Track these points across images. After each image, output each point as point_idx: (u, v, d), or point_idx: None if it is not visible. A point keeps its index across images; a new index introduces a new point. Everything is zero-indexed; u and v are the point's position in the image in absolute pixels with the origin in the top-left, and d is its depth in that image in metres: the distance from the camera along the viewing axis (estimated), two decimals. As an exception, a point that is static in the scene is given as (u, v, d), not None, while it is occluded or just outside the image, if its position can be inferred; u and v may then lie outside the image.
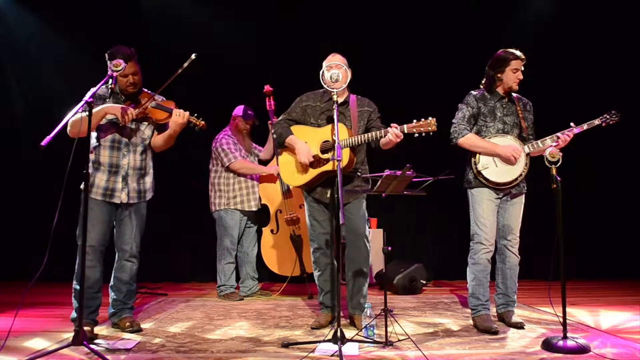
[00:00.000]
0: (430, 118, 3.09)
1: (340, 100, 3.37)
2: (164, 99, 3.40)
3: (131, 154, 3.28)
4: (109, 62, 3.16)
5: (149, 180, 3.40)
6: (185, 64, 3.20)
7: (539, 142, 3.38)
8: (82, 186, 3.15)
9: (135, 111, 3.18)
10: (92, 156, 3.20)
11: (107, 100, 3.23)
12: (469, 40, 5.65)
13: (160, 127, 3.41)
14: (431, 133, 3.08)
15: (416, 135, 3.11)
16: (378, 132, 3.20)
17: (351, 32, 5.71)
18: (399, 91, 5.73)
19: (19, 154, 5.77)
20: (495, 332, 3.21)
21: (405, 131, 3.11)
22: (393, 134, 3.10)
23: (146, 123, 3.35)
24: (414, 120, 3.11)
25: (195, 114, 3.33)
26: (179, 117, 3.24)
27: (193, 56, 3.19)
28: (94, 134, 3.21)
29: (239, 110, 4.78)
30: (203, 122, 3.35)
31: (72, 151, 2.76)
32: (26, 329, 3.39)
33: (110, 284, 3.38)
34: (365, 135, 3.21)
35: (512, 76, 3.39)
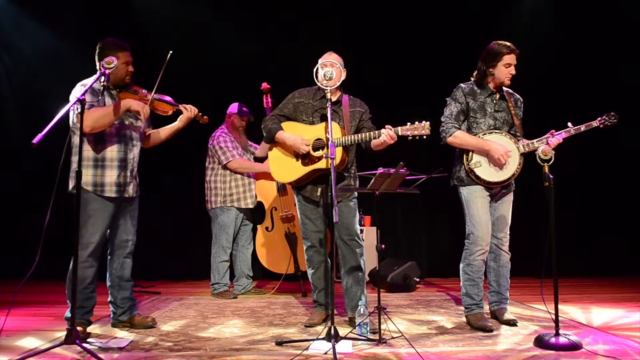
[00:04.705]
0: (424, 122, 3.07)
1: (333, 99, 3.36)
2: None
3: (135, 148, 3.30)
4: (99, 55, 3.14)
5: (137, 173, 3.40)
6: (165, 63, 3.21)
7: (534, 141, 3.32)
8: (71, 184, 3.14)
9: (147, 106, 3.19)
10: (90, 153, 3.13)
11: (101, 96, 3.16)
12: (463, 36, 5.66)
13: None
14: (425, 137, 3.07)
15: (410, 138, 3.09)
16: (372, 132, 3.18)
17: (348, 30, 5.71)
18: (392, 89, 5.73)
19: (8, 152, 5.72)
20: (490, 330, 3.21)
21: (400, 133, 3.10)
22: (387, 135, 3.08)
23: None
24: (408, 123, 3.09)
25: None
26: (189, 111, 3.37)
27: (170, 53, 3.21)
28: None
29: (233, 107, 4.77)
30: (206, 117, 3.52)
31: (64, 149, 2.75)
32: (18, 328, 3.36)
33: (109, 284, 3.33)
34: (359, 135, 3.20)
35: (504, 71, 3.31)
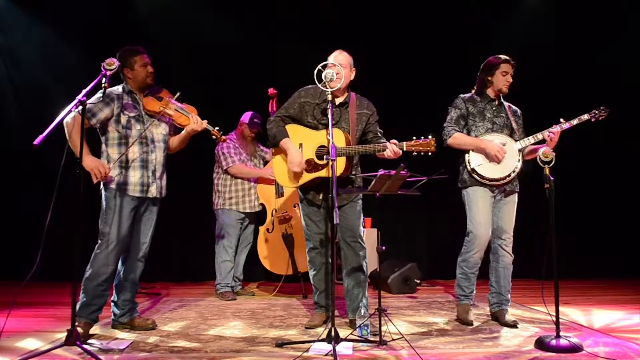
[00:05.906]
0: (430, 137, 3.07)
1: (340, 100, 3.36)
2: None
3: (157, 150, 3.36)
4: (121, 65, 3.20)
5: (165, 176, 3.45)
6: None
7: (530, 138, 3.43)
8: (103, 183, 3.21)
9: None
10: (115, 155, 3.22)
11: (123, 99, 3.25)
12: (463, 45, 5.65)
13: (176, 129, 3.52)
14: (430, 154, 3.08)
15: (415, 154, 3.09)
16: (376, 145, 3.18)
17: (354, 35, 5.68)
18: (395, 94, 5.72)
19: (10, 153, 5.72)
20: (470, 324, 3.40)
21: (405, 149, 3.10)
22: (392, 150, 3.09)
23: (165, 121, 3.43)
24: (414, 138, 3.10)
25: (217, 127, 3.44)
26: (195, 124, 3.35)
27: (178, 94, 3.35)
28: (115, 134, 3.23)
29: (245, 117, 4.83)
30: (224, 137, 3.52)
31: (64, 152, 2.76)
32: (19, 329, 3.36)
33: (115, 283, 3.34)
34: (363, 146, 3.20)
35: (501, 79, 3.48)
